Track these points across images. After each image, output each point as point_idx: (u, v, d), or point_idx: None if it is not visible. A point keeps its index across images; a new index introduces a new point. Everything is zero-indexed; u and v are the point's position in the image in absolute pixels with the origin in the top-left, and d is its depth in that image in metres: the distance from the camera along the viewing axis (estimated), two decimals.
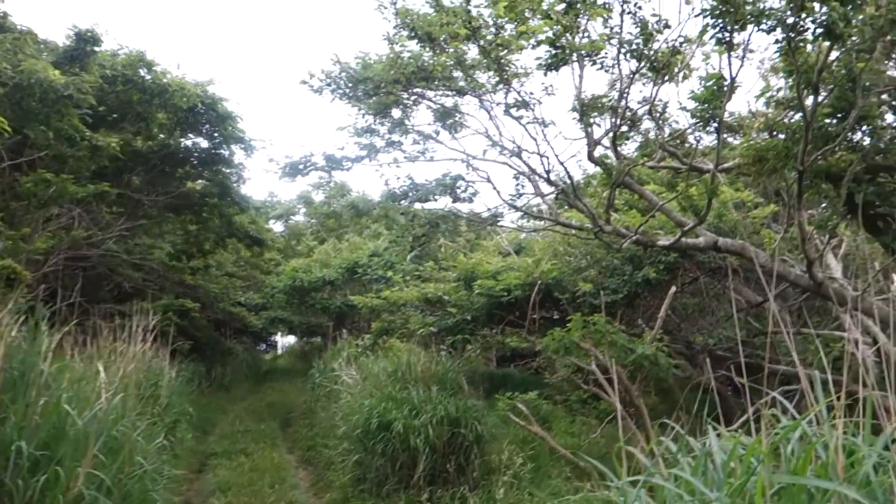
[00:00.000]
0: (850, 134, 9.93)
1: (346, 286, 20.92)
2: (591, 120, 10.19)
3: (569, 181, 10.80)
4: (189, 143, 17.09)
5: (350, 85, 10.99)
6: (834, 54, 9.36)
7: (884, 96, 10.09)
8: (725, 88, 9.80)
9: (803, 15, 8.87)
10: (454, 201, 12.57)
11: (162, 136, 16.33)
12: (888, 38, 9.53)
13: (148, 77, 14.26)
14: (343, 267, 20.69)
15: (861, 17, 9.07)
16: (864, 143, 10.14)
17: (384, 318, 15.49)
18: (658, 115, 11.25)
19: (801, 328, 11.29)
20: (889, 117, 10.27)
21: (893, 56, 10.00)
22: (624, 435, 8.57)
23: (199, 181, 18.00)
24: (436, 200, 12.50)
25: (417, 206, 12.64)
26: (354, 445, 10.21)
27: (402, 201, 12.40)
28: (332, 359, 15.60)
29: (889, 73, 10.10)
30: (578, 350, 9.65)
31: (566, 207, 13.16)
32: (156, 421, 10.27)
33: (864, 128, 10.12)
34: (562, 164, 10.57)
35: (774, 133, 10.56)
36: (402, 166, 12.81)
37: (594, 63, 9.41)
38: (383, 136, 11.96)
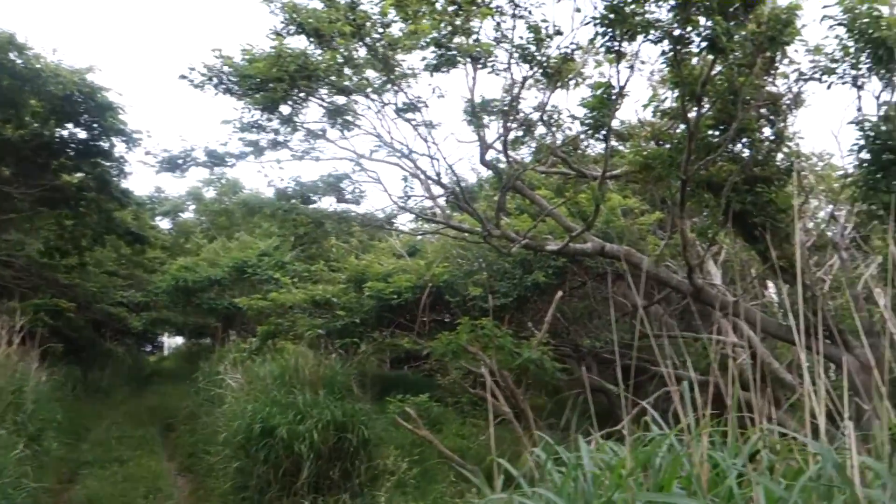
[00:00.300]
0: (730, 145, 10.26)
1: (235, 286, 20.25)
2: (483, 123, 10.15)
3: (459, 184, 10.74)
4: (65, 133, 16.01)
5: (234, 80, 10.57)
6: (717, 68, 9.67)
7: (762, 110, 10.48)
8: (614, 97, 9.96)
9: (689, 28, 9.11)
10: (339, 201, 12.30)
11: (35, 124, 15.26)
12: (767, 54, 9.90)
13: (19, 61, 13.34)
14: (230, 266, 20.02)
15: (743, 32, 9.38)
16: (744, 155, 10.50)
17: (272, 320, 15.06)
18: (550, 121, 11.33)
19: (682, 332, 11.61)
20: (767, 130, 10.65)
21: (772, 72, 10.38)
22: (512, 438, 8.62)
23: (77, 174, 16.95)
24: (319, 200, 12.21)
25: (304, 205, 12.31)
26: (236, 452, 9.88)
27: (292, 200, 12.05)
28: (218, 362, 15.08)
29: (768, 88, 10.48)
30: (466, 354, 9.60)
31: (459, 210, 13.13)
32: (18, 429, 9.63)
33: (744, 140, 10.48)
34: (450, 167, 10.50)
35: (661, 142, 10.81)
36: (289, 165, 12.52)
37: (484, 66, 9.37)
38: (270, 133, 11.55)
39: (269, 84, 10.38)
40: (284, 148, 11.93)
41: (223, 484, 9.87)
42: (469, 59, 9.19)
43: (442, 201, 12.40)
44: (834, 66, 9.93)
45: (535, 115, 10.94)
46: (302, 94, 10.95)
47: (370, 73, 10.46)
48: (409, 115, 10.48)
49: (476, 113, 9.88)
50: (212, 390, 13.45)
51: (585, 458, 3.30)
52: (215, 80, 10.81)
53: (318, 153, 12.02)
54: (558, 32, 9.57)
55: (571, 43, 9.77)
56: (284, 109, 11.39)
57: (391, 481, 9.13)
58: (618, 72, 9.69)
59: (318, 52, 10.35)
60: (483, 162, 10.57)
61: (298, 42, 10.67)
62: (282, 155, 12.06)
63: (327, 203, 12.88)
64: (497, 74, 9.62)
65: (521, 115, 10.97)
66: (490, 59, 9.39)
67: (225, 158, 11.70)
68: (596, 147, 12.13)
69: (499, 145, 10.59)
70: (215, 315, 22.10)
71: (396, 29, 9.67)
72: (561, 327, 13.58)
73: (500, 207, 10.16)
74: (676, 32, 9.15)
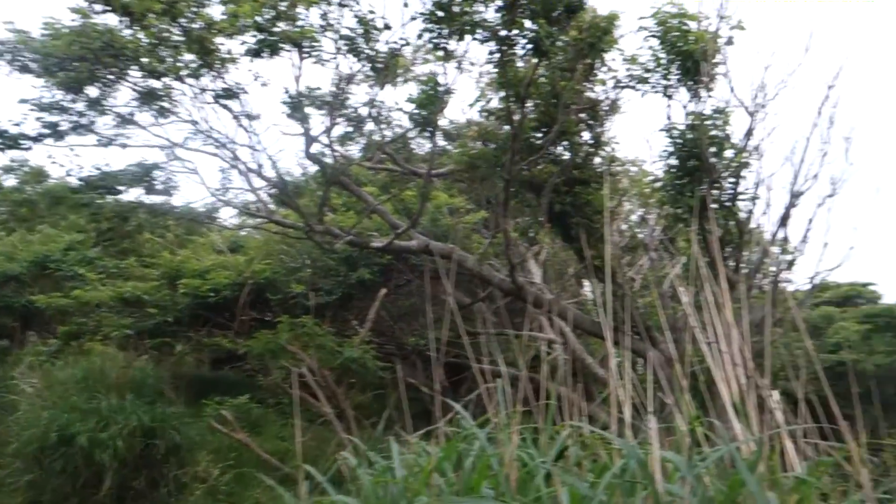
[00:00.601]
0: (552, 147, 10.57)
1: (36, 283, 18.51)
2: (307, 115, 9.82)
3: (282, 177, 10.36)
4: None
5: (32, 57, 9.56)
6: (541, 71, 9.92)
7: (582, 114, 10.86)
8: (441, 94, 9.97)
9: (515, 30, 9.27)
10: (149, 192, 11.49)
11: None
12: (588, 60, 10.27)
13: None
14: (30, 261, 18.32)
15: (565, 38, 9.67)
16: (564, 157, 10.84)
17: (75, 319, 13.89)
18: (379, 117, 11.21)
19: (504, 329, 11.82)
20: (586, 134, 11.05)
21: (591, 78, 10.77)
22: (333, 439, 8.41)
23: None
24: (126, 192, 11.32)
25: (110, 196, 11.39)
26: (29, 464, 9.05)
27: (98, 190, 11.12)
28: (14, 365, 13.76)
29: (587, 93, 10.87)
30: (286, 353, 9.27)
31: (284, 205, 12.70)
32: None
33: (565, 142, 10.82)
34: (270, 158, 10.04)
35: (487, 142, 10.95)
36: (95, 151, 11.48)
37: (309, 55, 9.06)
38: (74, 115, 10.54)
39: (73, 63, 9.50)
40: (90, 132, 10.95)
41: (13, 500, 9.01)
42: (293, 46, 8.84)
43: (266, 195, 11.91)
44: (647, 75, 10.46)
45: (365, 111, 10.78)
46: (111, 76, 10.11)
47: (188, 56, 9.82)
48: (228, 103, 9.96)
49: (300, 104, 9.53)
50: (4, 397, 12.27)
51: (396, 460, 3.16)
52: (9, 56, 9.75)
53: (128, 139, 11.13)
54: (387, 27, 9.45)
55: (400, 38, 9.68)
56: (91, 91, 10.47)
57: (201, 489, 8.67)
58: (445, 70, 9.72)
59: (130, 31, 9.59)
60: (308, 155, 10.23)
61: (111, 20, 9.87)
62: (87, 140, 11.06)
63: (137, 194, 11.99)
64: (323, 65, 9.34)
65: (350, 109, 10.77)
66: (316, 49, 9.08)
67: (18, 140, 10.54)
68: (425, 145, 12.14)
69: (326, 139, 10.31)
70: (12, 314, 20.12)
71: (217, 12, 9.14)
72: (386, 325, 13.47)
73: (324, 202, 9.89)
74: (503, 33, 9.29)
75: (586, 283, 13.51)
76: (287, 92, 9.50)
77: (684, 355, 2.99)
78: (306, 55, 9.03)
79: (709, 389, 2.89)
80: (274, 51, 8.67)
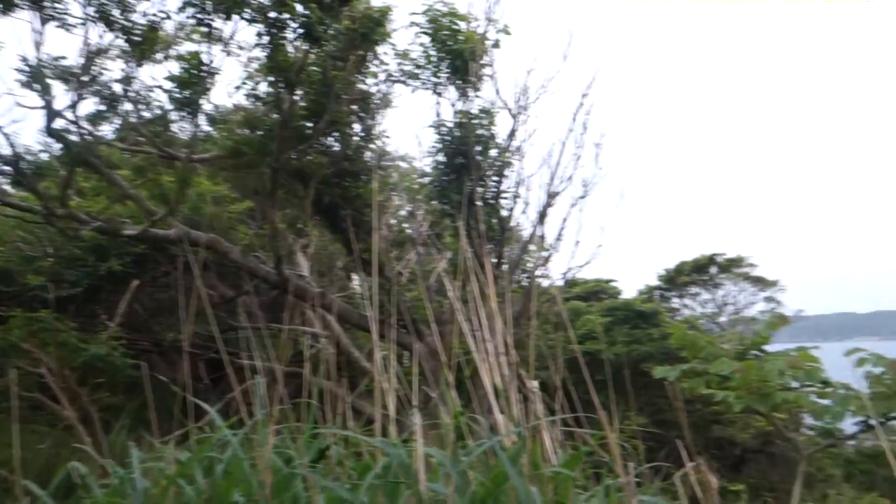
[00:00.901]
0: (322, 137, 10.36)
1: None
2: (48, 85, 8.78)
3: (17, 155, 9.21)
4: None
5: None
6: (312, 58, 9.66)
7: (354, 106, 10.75)
8: (205, 74, 9.39)
9: (285, 13, 8.93)
10: None
11: None
12: (360, 51, 10.18)
13: None
14: None
15: (338, 26, 9.49)
16: (335, 149, 10.68)
17: None
18: (136, 95, 10.35)
19: (270, 323, 11.43)
20: (357, 126, 10.96)
21: (364, 70, 10.70)
22: (76, 445, 7.61)
23: None
24: None
25: None
26: None
27: None
28: None
29: (359, 85, 10.78)
30: (19, 352, 8.25)
31: (21, 186, 11.35)
32: None
33: (335, 133, 10.66)
34: (3, 132, 8.79)
35: (254, 129, 10.51)
36: None
37: (52, 18, 8.10)
38: None
39: None
40: None
41: None
42: (32, 5, 7.85)
43: None
44: (418, 71, 10.60)
45: (119, 88, 9.88)
46: None
47: None
48: None
49: (40, 73, 8.52)
50: None
51: (136, 468, 2.83)
52: None
53: None
54: None
55: (160, 11, 8.98)
56: None
57: None
58: (208, 48, 9.15)
59: None
60: (50, 132, 9.18)
61: None
62: None
63: None
64: (69, 31, 8.40)
65: (102, 85, 9.83)
66: (60, 11, 8.13)
67: None
68: (186, 128, 11.39)
69: (71, 115, 9.31)
70: None
71: None
72: (141, 320, 12.51)
73: (68, 184, 8.93)
74: (272, 15, 8.92)
75: (355, 276, 13.45)
76: (24, 58, 8.45)
77: (450, 348, 2.94)
78: (48, 18, 8.06)
79: (473, 382, 2.86)
80: (7, 7, 7.63)
